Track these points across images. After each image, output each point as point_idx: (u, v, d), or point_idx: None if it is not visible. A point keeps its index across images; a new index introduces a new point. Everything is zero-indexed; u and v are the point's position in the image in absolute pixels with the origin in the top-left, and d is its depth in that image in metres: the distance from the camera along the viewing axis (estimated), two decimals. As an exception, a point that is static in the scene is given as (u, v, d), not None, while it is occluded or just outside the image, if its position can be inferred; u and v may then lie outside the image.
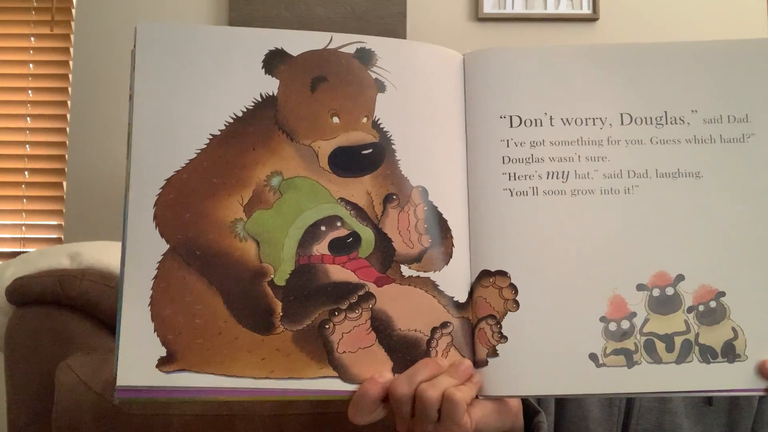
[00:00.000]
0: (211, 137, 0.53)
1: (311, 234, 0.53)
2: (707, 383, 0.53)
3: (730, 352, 0.53)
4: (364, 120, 0.55)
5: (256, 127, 0.54)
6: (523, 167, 0.56)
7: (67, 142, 2.05)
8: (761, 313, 0.53)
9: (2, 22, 2.12)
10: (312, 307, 0.53)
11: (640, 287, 0.54)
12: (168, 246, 0.52)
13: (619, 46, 0.58)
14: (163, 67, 0.54)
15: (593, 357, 0.53)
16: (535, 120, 0.56)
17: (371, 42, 0.55)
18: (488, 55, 0.58)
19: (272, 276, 0.53)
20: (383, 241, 0.54)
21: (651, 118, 0.56)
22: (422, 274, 0.54)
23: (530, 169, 0.56)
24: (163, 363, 0.51)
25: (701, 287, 0.54)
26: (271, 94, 0.54)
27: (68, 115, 2.06)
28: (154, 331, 0.51)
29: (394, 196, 0.54)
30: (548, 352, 0.54)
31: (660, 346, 0.53)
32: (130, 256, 0.52)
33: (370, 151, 0.54)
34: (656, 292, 0.54)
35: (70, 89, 2.07)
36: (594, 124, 0.56)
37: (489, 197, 0.56)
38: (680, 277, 0.54)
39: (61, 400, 0.83)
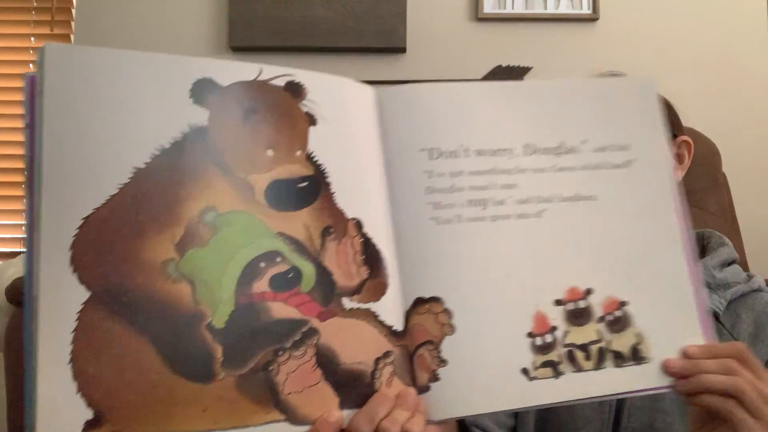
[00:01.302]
0: (135, 170, 0.46)
1: (250, 271, 0.47)
2: (622, 385, 0.54)
3: (637, 355, 0.55)
4: (299, 153, 0.50)
5: (186, 160, 0.47)
6: (446, 196, 0.55)
7: (68, 142, 1.83)
8: (659, 318, 0.55)
9: (2, 22, 2.04)
10: (255, 348, 0.46)
11: (558, 303, 0.55)
12: (89, 293, 0.43)
13: (521, 84, 0.60)
14: (75, 94, 0.45)
15: (524, 371, 0.53)
16: (454, 152, 0.56)
17: (300, 75, 0.51)
18: (402, 91, 0.56)
19: (210, 318, 0.46)
20: (323, 274, 0.49)
21: (550, 149, 0.58)
22: (362, 306, 0.50)
23: (452, 198, 0.55)
24: (91, 426, 0.42)
25: (608, 299, 0.55)
26: (200, 125, 0.48)
27: (68, 115, 1.87)
28: (78, 391, 0.42)
29: (332, 229, 0.50)
30: (484, 370, 0.52)
31: (579, 355, 0.54)
32: (46, 307, 0.42)
33: (307, 184, 0.50)
34: (571, 306, 0.55)
35: (69, 89, 1.88)
36: (504, 155, 0.57)
37: (416, 226, 0.54)
38: (589, 291, 0.55)
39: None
